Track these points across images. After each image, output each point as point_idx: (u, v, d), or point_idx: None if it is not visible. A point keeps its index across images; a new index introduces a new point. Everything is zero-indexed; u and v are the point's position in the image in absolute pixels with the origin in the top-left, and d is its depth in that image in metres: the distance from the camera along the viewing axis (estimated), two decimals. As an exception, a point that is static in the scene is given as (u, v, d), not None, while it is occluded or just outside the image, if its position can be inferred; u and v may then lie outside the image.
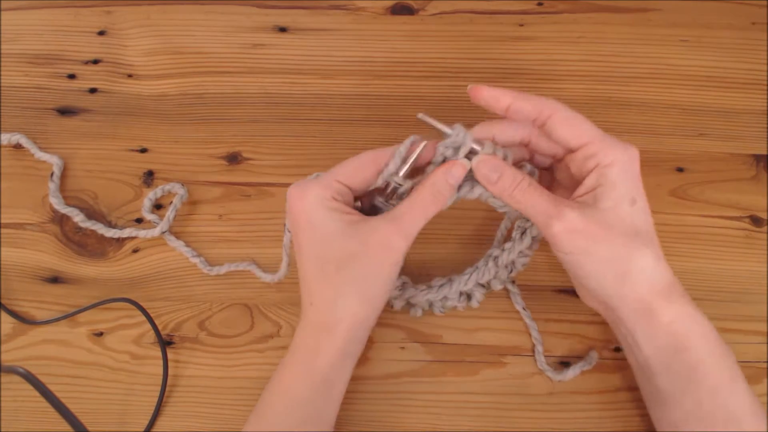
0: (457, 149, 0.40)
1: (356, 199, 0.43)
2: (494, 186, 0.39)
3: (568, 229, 0.37)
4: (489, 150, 0.39)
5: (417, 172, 0.42)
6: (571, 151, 0.40)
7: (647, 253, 0.38)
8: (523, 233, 0.44)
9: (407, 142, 0.40)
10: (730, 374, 0.38)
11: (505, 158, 0.40)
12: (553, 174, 0.44)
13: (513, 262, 0.46)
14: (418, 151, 0.40)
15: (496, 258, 0.45)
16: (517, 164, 0.41)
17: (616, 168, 0.38)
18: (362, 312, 0.40)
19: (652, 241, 0.39)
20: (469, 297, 0.47)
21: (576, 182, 0.40)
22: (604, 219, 0.37)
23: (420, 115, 0.41)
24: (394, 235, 0.38)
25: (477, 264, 0.46)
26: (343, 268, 0.38)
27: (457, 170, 0.39)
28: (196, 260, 0.50)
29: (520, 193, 0.39)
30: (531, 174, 0.41)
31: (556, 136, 0.39)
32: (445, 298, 0.46)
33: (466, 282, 0.46)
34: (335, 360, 0.40)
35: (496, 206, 0.42)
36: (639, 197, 0.39)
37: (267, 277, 0.49)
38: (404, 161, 0.40)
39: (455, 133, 0.39)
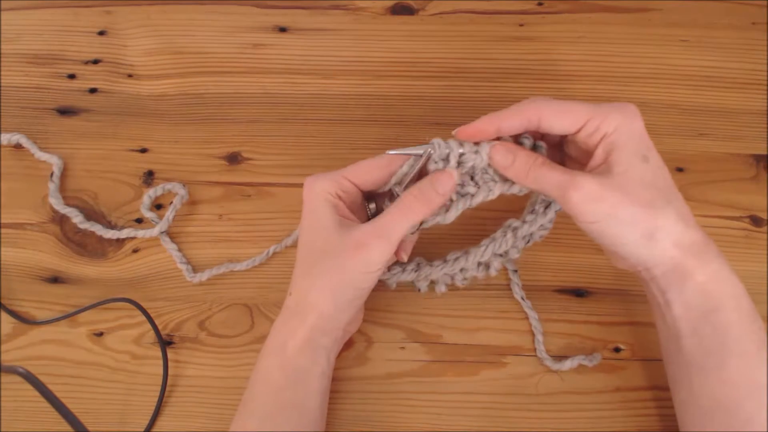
0: (446, 160, 0.40)
1: (369, 200, 0.44)
2: (509, 170, 0.40)
3: (586, 197, 0.37)
4: (469, 149, 0.40)
5: None
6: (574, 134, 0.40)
7: (670, 211, 0.37)
8: (547, 207, 0.44)
9: (425, 152, 0.41)
10: (758, 341, 0.37)
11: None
12: (564, 150, 0.43)
13: (531, 234, 0.45)
14: (420, 165, 0.40)
15: (515, 229, 0.45)
16: (516, 139, 0.41)
17: (620, 132, 0.38)
18: (329, 308, 0.41)
19: (675, 197, 0.38)
20: (487, 266, 0.47)
21: (587, 154, 0.40)
22: (620, 183, 0.37)
23: (389, 152, 0.41)
24: (370, 236, 0.39)
25: (494, 235, 0.46)
26: (321, 260, 0.40)
27: (445, 180, 0.40)
28: (183, 266, 0.50)
29: (535, 172, 0.39)
30: (538, 148, 0.41)
31: (555, 131, 0.39)
32: (464, 269, 0.46)
33: (483, 253, 0.45)
34: (304, 346, 0.41)
35: (517, 192, 0.42)
36: (650, 154, 0.38)
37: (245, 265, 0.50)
38: (409, 172, 0.41)
39: (436, 145, 0.40)
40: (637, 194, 0.37)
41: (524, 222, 0.45)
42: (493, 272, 0.46)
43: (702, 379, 0.38)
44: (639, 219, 0.37)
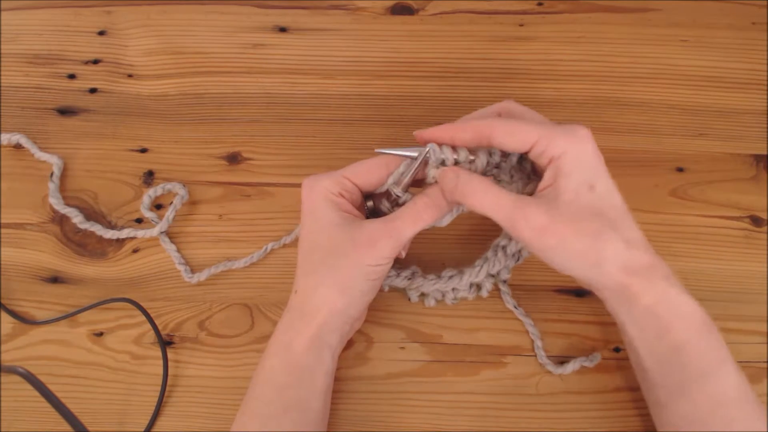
0: (442, 165, 0.41)
1: (368, 198, 0.44)
2: (450, 195, 0.40)
3: (534, 229, 0.37)
4: (463, 157, 0.40)
5: (420, 184, 0.43)
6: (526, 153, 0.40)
7: (615, 238, 0.37)
8: None
9: (420, 154, 0.41)
10: (716, 356, 0.38)
11: (488, 163, 0.41)
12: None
13: (520, 251, 0.46)
14: (416, 165, 0.41)
15: (504, 247, 0.45)
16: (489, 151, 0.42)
17: (566, 157, 0.38)
18: (339, 303, 0.41)
19: (622, 222, 0.38)
20: (479, 287, 0.47)
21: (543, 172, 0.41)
22: (567, 213, 0.37)
23: (378, 150, 0.42)
24: (381, 236, 0.40)
25: (486, 255, 0.46)
26: (328, 258, 0.40)
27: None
28: (181, 267, 0.50)
29: (476, 198, 0.39)
30: (509, 160, 0.42)
31: (505, 149, 0.40)
32: (456, 289, 0.47)
33: (477, 274, 0.46)
34: (310, 345, 0.41)
35: None
36: (598, 180, 0.38)
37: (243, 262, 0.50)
38: (405, 172, 0.41)
39: (432, 151, 0.40)
40: (583, 226, 0.37)
41: (510, 239, 0.45)
42: (484, 293, 0.47)
43: (667, 398, 0.39)
44: (586, 250, 0.37)
